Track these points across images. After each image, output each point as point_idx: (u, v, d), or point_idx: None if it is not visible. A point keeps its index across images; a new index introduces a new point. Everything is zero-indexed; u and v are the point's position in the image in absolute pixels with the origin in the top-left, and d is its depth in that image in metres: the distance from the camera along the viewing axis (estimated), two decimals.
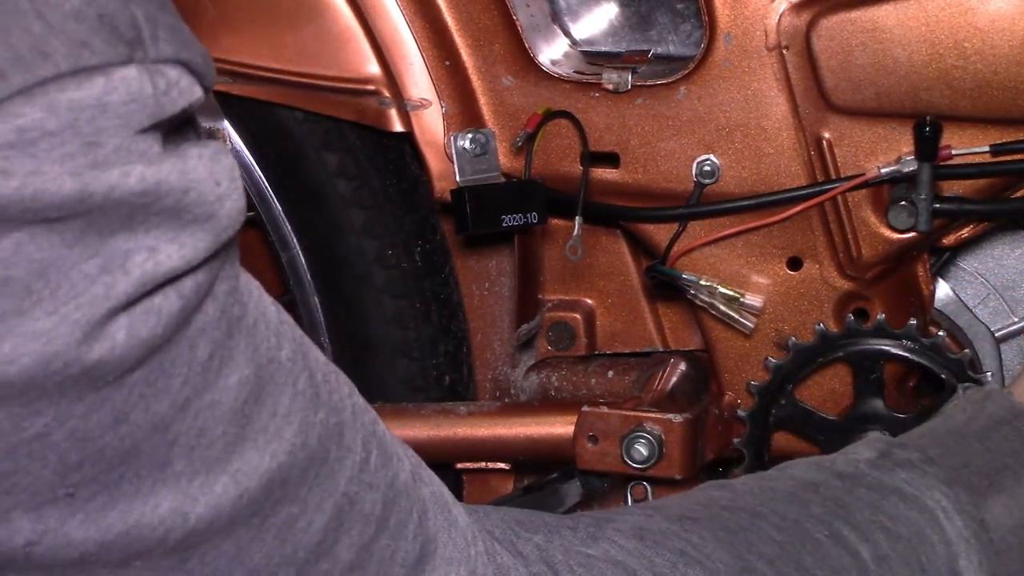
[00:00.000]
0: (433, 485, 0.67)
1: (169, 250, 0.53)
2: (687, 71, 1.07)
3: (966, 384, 0.85)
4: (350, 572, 0.61)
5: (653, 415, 1.08)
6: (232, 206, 0.55)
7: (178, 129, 0.54)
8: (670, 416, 1.08)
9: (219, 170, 0.55)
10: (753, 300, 1.10)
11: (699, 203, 1.09)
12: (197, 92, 0.55)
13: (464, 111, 1.13)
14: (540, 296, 1.18)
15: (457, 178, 1.11)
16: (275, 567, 0.58)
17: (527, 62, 1.11)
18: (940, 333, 1.06)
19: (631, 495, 1.11)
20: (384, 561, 0.62)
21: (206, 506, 0.56)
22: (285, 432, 0.58)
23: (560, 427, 1.10)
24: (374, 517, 0.62)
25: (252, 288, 0.59)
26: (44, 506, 0.53)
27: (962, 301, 1.12)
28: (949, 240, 1.08)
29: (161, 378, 0.54)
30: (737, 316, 1.10)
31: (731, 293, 1.10)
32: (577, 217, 1.11)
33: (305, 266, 1.18)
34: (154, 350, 0.53)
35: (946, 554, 0.76)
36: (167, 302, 0.53)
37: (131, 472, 0.54)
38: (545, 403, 1.17)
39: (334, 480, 0.61)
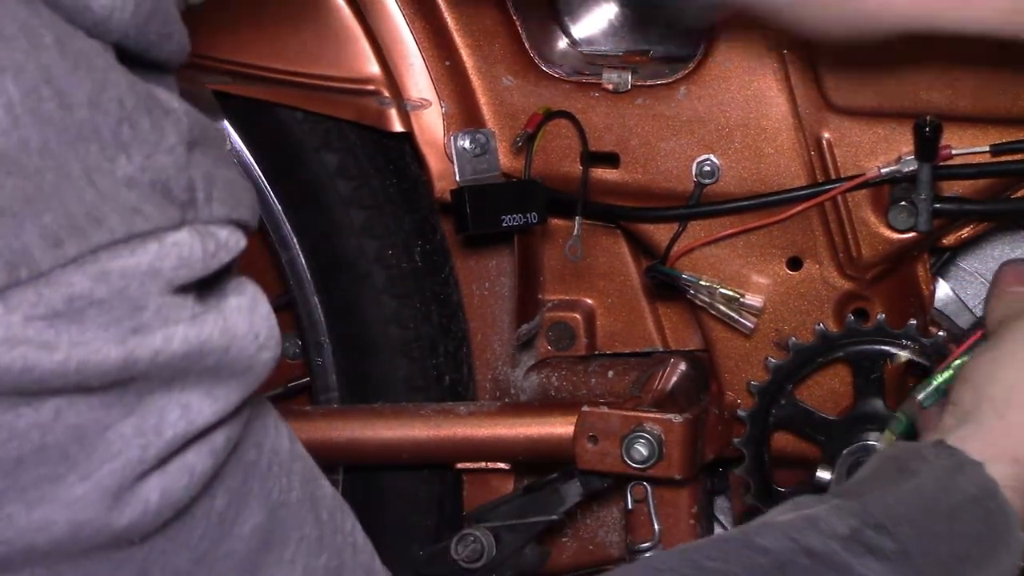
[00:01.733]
0: None
1: (202, 405, 0.52)
2: (687, 71, 1.07)
3: (937, 441, 0.83)
4: None
5: (653, 415, 1.08)
6: (269, 356, 0.54)
7: (217, 275, 0.54)
8: (670, 416, 1.08)
9: (258, 321, 0.54)
10: (753, 300, 1.10)
11: (699, 203, 1.09)
12: (243, 243, 0.55)
13: (464, 111, 1.13)
14: (540, 296, 1.18)
15: (457, 178, 1.11)
16: None
17: (527, 62, 1.11)
18: (940, 333, 1.06)
19: (631, 495, 1.11)
20: None
21: None
22: (296, 566, 0.58)
23: (560, 427, 1.10)
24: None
25: (268, 423, 0.59)
26: None
27: (962, 301, 1.12)
28: (949, 240, 1.08)
29: (183, 532, 0.53)
30: (737, 316, 1.10)
31: (731, 293, 1.10)
32: (577, 217, 1.11)
33: (305, 266, 1.18)
34: (183, 510, 0.53)
35: None
36: (200, 460, 0.53)
37: None
38: (545, 403, 1.17)
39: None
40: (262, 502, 0.57)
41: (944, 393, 0.92)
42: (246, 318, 0.53)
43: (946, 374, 0.92)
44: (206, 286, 0.53)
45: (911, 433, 1.00)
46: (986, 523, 0.79)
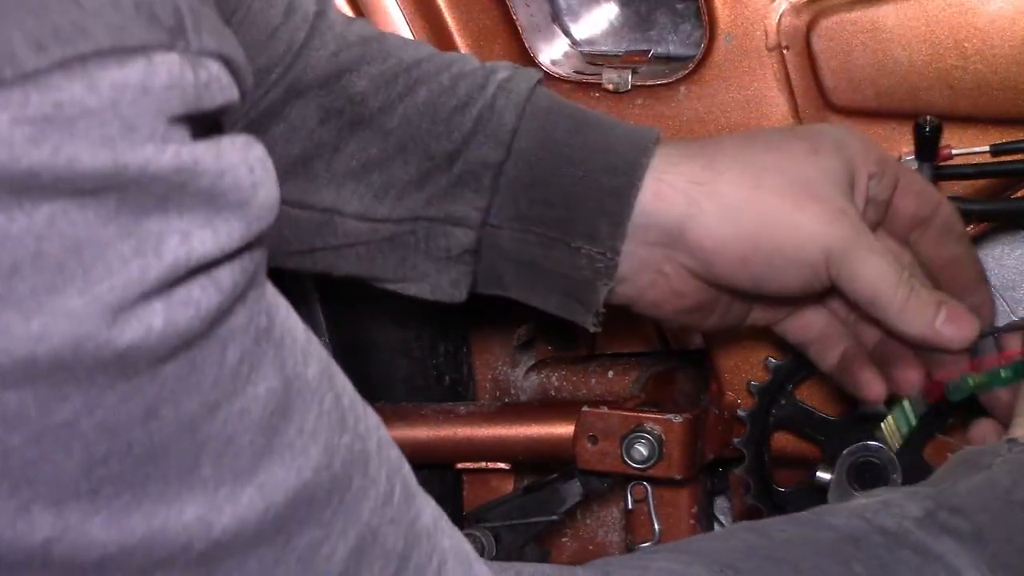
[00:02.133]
0: (455, 539, 0.65)
1: (203, 235, 0.52)
2: (687, 71, 1.07)
3: (1010, 439, 0.82)
4: None
5: (653, 415, 1.08)
6: (265, 195, 0.54)
7: (209, 131, 0.54)
8: (670, 416, 1.08)
9: (252, 157, 0.54)
10: None
11: None
12: (235, 93, 0.54)
13: None
14: None
15: None
16: None
17: (527, 62, 1.11)
18: None
19: (631, 495, 1.11)
20: None
21: (232, 517, 0.54)
22: (311, 450, 0.57)
23: (560, 427, 1.10)
24: (396, 555, 0.61)
25: (280, 304, 0.58)
26: (66, 501, 0.51)
27: None
28: None
29: (193, 374, 0.53)
30: None
31: None
32: None
33: None
34: (189, 343, 0.52)
35: None
36: (205, 296, 0.52)
37: (158, 473, 0.53)
38: (545, 403, 1.17)
39: (358, 508, 0.59)
40: (276, 368, 0.56)
41: (976, 390, 0.94)
42: (240, 152, 0.53)
43: (980, 378, 0.93)
44: (199, 128, 0.53)
45: (912, 425, 1.00)
46: None
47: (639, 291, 0.95)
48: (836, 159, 0.93)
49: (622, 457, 1.08)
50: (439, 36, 1.12)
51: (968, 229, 1.07)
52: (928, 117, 1.01)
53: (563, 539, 1.20)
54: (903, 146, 1.04)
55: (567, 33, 1.16)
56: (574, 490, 1.11)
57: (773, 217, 0.91)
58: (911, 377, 0.96)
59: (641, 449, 1.08)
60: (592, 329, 0.96)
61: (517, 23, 1.11)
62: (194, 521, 0.53)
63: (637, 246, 0.92)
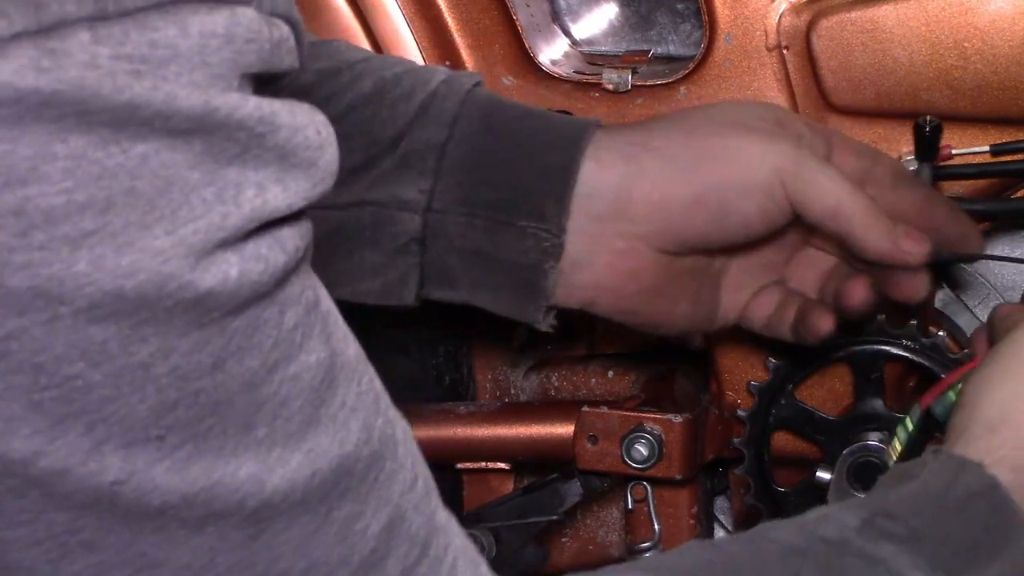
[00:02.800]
0: (464, 540, 0.66)
1: (275, 190, 0.53)
2: (687, 71, 1.07)
3: (935, 449, 0.83)
4: None
5: (653, 415, 1.08)
6: (329, 158, 0.56)
7: (277, 80, 0.56)
8: (670, 416, 1.08)
9: (319, 120, 0.56)
10: None
11: None
12: (296, 59, 0.56)
13: None
14: None
15: None
16: (333, 567, 0.58)
17: (527, 62, 1.11)
18: (940, 333, 1.06)
19: (631, 495, 1.11)
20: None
21: (281, 479, 0.56)
22: (352, 424, 0.58)
23: (560, 427, 1.10)
24: (419, 541, 0.62)
25: (319, 284, 0.60)
26: (135, 445, 0.52)
27: (962, 301, 1.12)
28: None
29: (256, 333, 0.54)
30: None
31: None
32: None
33: None
34: (255, 300, 0.54)
35: None
36: (272, 254, 0.54)
37: (219, 427, 0.54)
38: (545, 403, 1.17)
39: (390, 489, 0.60)
40: (323, 341, 0.58)
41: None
42: (308, 114, 0.55)
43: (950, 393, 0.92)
44: (268, 89, 0.54)
45: (915, 443, 0.99)
46: (993, 516, 0.79)
47: (596, 278, 0.94)
48: (764, 108, 0.97)
49: (622, 457, 1.08)
50: (439, 36, 1.12)
51: None
52: (928, 117, 1.01)
53: (563, 539, 1.20)
54: (903, 146, 1.04)
55: (567, 33, 1.16)
56: (574, 490, 1.11)
57: (715, 151, 0.92)
58: (860, 292, 0.96)
59: (641, 449, 1.08)
60: (544, 329, 0.95)
61: (517, 23, 1.11)
62: (248, 478, 0.55)
63: (586, 222, 0.92)
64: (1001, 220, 1.08)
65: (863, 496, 0.81)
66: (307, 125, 0.55)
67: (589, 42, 1.16)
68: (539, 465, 1.14)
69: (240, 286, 0.53)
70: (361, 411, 0.59)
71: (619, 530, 1.18)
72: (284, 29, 0.55)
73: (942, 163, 1.03)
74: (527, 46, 1.11)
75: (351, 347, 0.60)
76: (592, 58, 1.15)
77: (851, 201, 0.92)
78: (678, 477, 1.09)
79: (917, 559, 0.75)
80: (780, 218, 0.93)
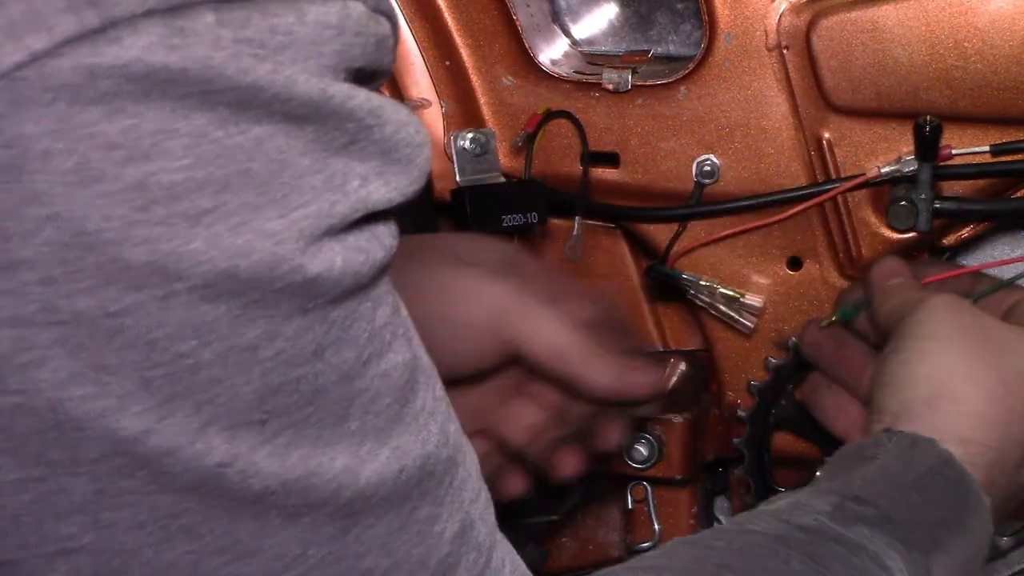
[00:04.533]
0: (516, 555, 0.66)
1: (377, 183, 0.54)
2: (687, 71, 1.07)
3: (886, 429, 0.84)
4: None
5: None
6: (425, 159, 0.57)
7: (376, 77, 0.57)
8: (670, 416, 1.08)
9: (417, 122, 0.57)
10: (753, 300, 1.10)
11: (699, 203, 1.09)
12: (392, 62, 0.57)
13: (464, 111, 1.13)
14: None
15: (457, 178, 1.11)
16: (412, 567, 0.58)
17: (527, 62, 1.11)
18: None
19: (631, 495, 1.11)
20: None
21: (372, 472, 0.56)
22: (431, 426, 0.59)
23: None
24: (484, 550, 0.62)
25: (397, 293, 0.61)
26: (239, 428, 0.53)
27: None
28: (949, 240, 1.08)
29: (353, 326, 0.55)
30: (737, 316, 1.10)
31: (731, 293, 1.10)
32: (576, 218, 1.11)
33: None
34: (354, 292, 0.54)
35: None
36: (371, 248, 0.55)
37: (316, 416, 0.54)
38: None
39: (462, 495, 0.61)
40: (407, 343, 0.59)
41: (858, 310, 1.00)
42: (407, 113, 0.56)
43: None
44: (367, 87, 0.55)
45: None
46: (951, 491, 0.81)
47: None
48: (497, 246, 0.98)
49: (622, 457, 1.08)
50: (439, 36, 1.12)
51: (968, 229, 1.07)
52: (928, 117, 1.01)
53: (563, 539, 1.20)
54: (903, 146, 1.04)
55: (567, 33, 1.16)
56: (574, 490, 1.10)
57: (436, 284, 0.92)
58: (572, 461, 0.96)
59: (641, 449, 1.08)
60: None
61: (517, 23, 1.11)
62: (342, 470, 0.55)
63: None
64: (1001, 220, 1.08)
65: (826, 479, 0.82)
66: (408, 123, 0.56)
67: (589, 42, 1.16)
68: None
69: (344, 275, 0.54)
70: (438, 416, 0.60)
71: (619, 530, 1.18)
72: (386, 26, 0.56)
73: (942, 163, 1.03)
74: (527, 46, 1.11)
75: (425, 355, 0.61)
76: (592, 58, 1.15)
77: (570, 342, 0.91)
78: (678, 477, 1.09)
79: (892, 540, 0.76)
80: (492, 359, 0.93)
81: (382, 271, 0.56)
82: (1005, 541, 1.08)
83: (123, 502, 0.52)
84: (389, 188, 0.55)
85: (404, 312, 0.60)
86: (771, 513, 0.79)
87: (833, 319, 1.03)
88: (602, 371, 0.92)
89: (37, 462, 0.51)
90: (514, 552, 0.66)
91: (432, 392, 0.60)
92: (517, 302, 0.92)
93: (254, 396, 0.53)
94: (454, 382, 0.90)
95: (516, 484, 0.97)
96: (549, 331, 0.91)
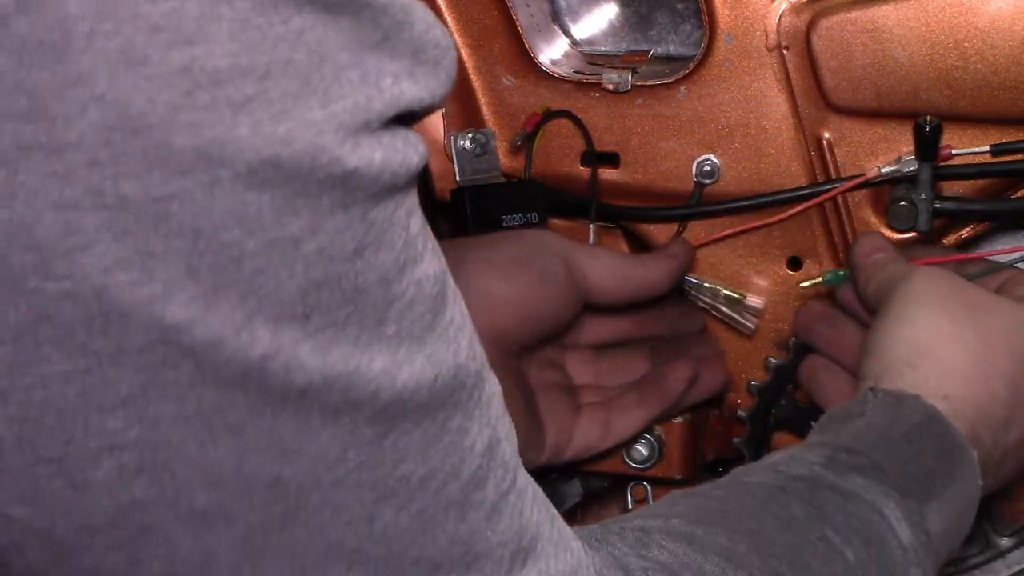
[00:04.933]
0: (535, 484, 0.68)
1: (408, 83, 0.55)
2: (687, 71, 1.07)
3: (871, 387, 0.85)
4: (488, 519, 0.60)
5: None
6: (450, 62, 0.57)
7: None
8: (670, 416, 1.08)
9: (443, 26, 0.57)
10: (754, 302, 1.10)
11: (699, 203, 1.09)
12: None
13: (464, 111, 1.13)
14: None
15: (457, 178, 1.11)
16: (445, 476, 0.58)
17: (527, 62, 1.11)
18: None
19: (631, 495, 1.11)
20: (514, 517, 0.62)
21: (408, 377, 0.56)
22: (460, 340, 0.59)
23: None
24: (510, 469, 0.62)
25: None
26: (283, 321, 0.53)
27: None
28: (949, 240, 1.08)
29: (390, 229, 0.55)
30: (739, 318, 1.10)
31: (734, 295, 1.10)
32: (591, 226, 1.11)
33: None
34: (393, 191, 0.55)
35: (903, 562, 0.77)
36: (406, 150, 0.55)
37: (356, 316, 0.55)
38: None
39: (489, 411, 0.61)
40: (437, 257, 0.59)
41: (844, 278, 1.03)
42: (432, 16, 0.57)
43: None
44: None
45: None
46: (939, 444, 0.83)
47: None
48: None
49: (622, 457, 1.08)
50: None
51: (968, 229, 1.07)
52: (928, 117, 1.01)
53: None
54: (903, 146, 1.04)
55: (567, 33, 1.16)
56: (574, 490, 1.10)
57: (509, 250, 1.02)
58: (683, 371, 1.05)
59: (641, 449, 1.08)
60: None
61: (517, 23, 1.11)
62: (381, 372, 0.55)
63: None
64: (1001, 220, 1.08)
65: (816, 435, 0.84)
66: (435, 25, 0.56)
67: (589, 42, 1.16)
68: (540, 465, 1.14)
69: (382, 172, 0.54)
70: (466, 331, 0.60)
71: None
72: None
73: (942, 163, 1.03)
74: (527, 46, 1.11)
75: (450, 276, 0.61)
76: (592, 58, 1.15)
77: (623, 259, 1.05)
78: (678, 477, 1.09)
79: (886, 488, 0.78)
80: (572, 306, 1.02)
81: (414, 178, 0.57)
82: (1005, 541, 1.08)
83: (168, 395, 0.52)
84: (419, 88, 0.55)
85: (428, 230, 0.60)
86: (766, 466, 0.80)
87: (818, 280, 1.04)
88: (657, 263, 1.05)
89: (83, 352, 0.51)
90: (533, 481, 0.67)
91: (459, 308, 0.60)
92: (570, 247, 1.02)
93: (297, 290, 0.53)
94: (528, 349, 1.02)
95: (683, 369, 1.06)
96: (605, 257, 1.03)
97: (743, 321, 1.10)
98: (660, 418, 1.06)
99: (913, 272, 0.93)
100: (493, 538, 0.60)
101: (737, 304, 1.10)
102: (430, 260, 0.58)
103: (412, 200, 0.57)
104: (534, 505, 0.63)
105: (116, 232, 0.50)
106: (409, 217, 0.57)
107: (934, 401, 0.84)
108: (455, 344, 0.59)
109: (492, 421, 0.61)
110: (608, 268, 1.03)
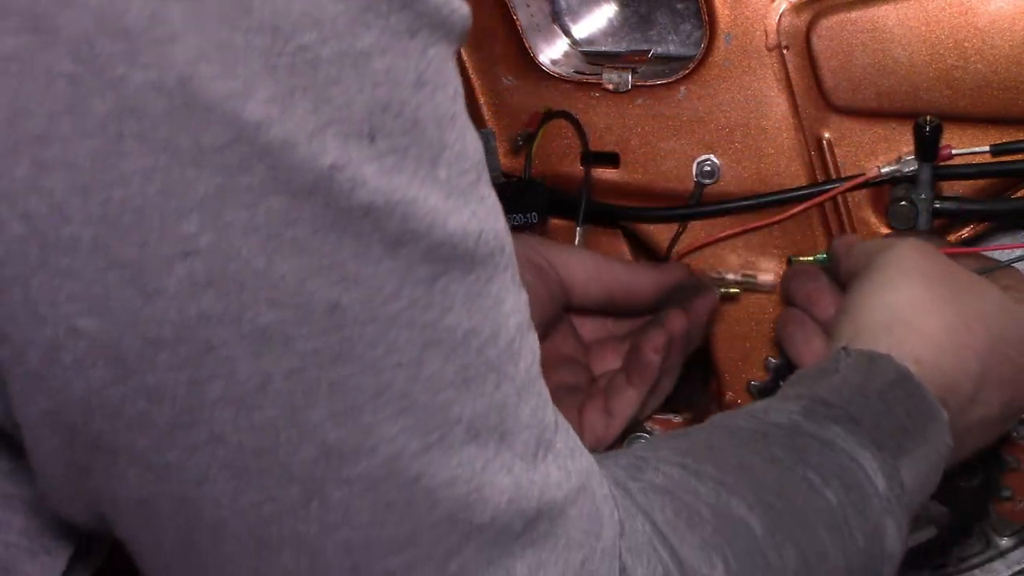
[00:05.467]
0: None
1: None
2: (687, 71, 1.07)
3: (843, 347, 0.86)
4: (519, 396, 0.61)
5: (653, 415, 1.08)
6: None
7: None
8: (670, 416, 1.08)
9: None
10: (765, 277, 1.10)
11: (699, 203, 1.09)
12: None
13: None
14: None
15: None
16: (486, 338, 0.59)
17: (527, 62, 1.11)
18: None
19: None
20: (539, 407, 0.62)
21: (457, 224, 0.57)
22: (496, 210, 0.60)
23: None
24: (535, 358, 0.63)
25: None
26: (351, 137, 0.54)
27: None
28: (949, 240, 1.08)
29: (444, 72, 0.57)
30: (753, 280, 1.09)
31: (743, 277, 1.09)
32: (578, 228, 1.11)
33: None
34: (449, 32, 0.57)
35: (880, 510, 0.78)
36: (458, 4, 0.57)
37: (415, 149, 0.56)
38: None
39: (519, 295, 0.62)
40: (471, 127, 0.60)
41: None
42: None
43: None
44: None
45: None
46: (912, 402, 0.84)
47: None
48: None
49: None
50: None
51: (968, 229, 1.07)
52: (928, 117, 1.01)
53: None
54: (903, 146, 1.04)
55: (567, 33, 1.16)
56: None
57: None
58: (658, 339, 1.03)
59: None
60: None
61: (517, 23, 1.11)
62: (432, 210, 0.56)
63: None
64: (1001, 220, 1.08)
65: (791, 388, 0.86)
66: None
67: (589, 42, 1.16)
68: None
69: (438, 9, 0.55)
70: (497, 206, 0.61)
71: None
72: None
73: (942, 163, 1.03)
74: (527, 46, 1.11)
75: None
76: (592, 58, 1.15)
77: (607, 262, 1.05)
78: None
79: (863, 439, 0.79)
80: (551, 309, 1.03)
81: (464, 32, 0.58)
82: (1005, 541, 1.08)
83: (241, 201, 0.53)
84: None
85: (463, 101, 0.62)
86: (745, 412, 0.81)
87: (810, 259, 1.06)
88: (644, 270, 1.05)
89: (165, 148, 0.51)
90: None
91: (489, 183, 0.61)
92: (547, 246, 1.02)
93: (365, 107, 0.54)
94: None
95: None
96: (582, 255, 1.03)
97: (757, 283, 1.09)
98: (673, 376, 1.07)
99: (897, 242, 0.94)
100: (522, 418, 0.61)
101: (748, 281, 1.10)
102: (470, 126, 0.59)
103: (454, 67, 0.58)
104: (552, 409, 0.64)
105: (200, 23, 0.51)
106: (455, 76, 0.58)
107: (907, 364, 0.85)
108: (494, 213, 0.60)
109: (521, 304, 0.62)
110: (584, 265, 1.03)
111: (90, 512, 0.60)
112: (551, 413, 0.64)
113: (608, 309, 1.06)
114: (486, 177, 0.60)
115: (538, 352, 0.64)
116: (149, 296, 0.52)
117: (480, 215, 0.59)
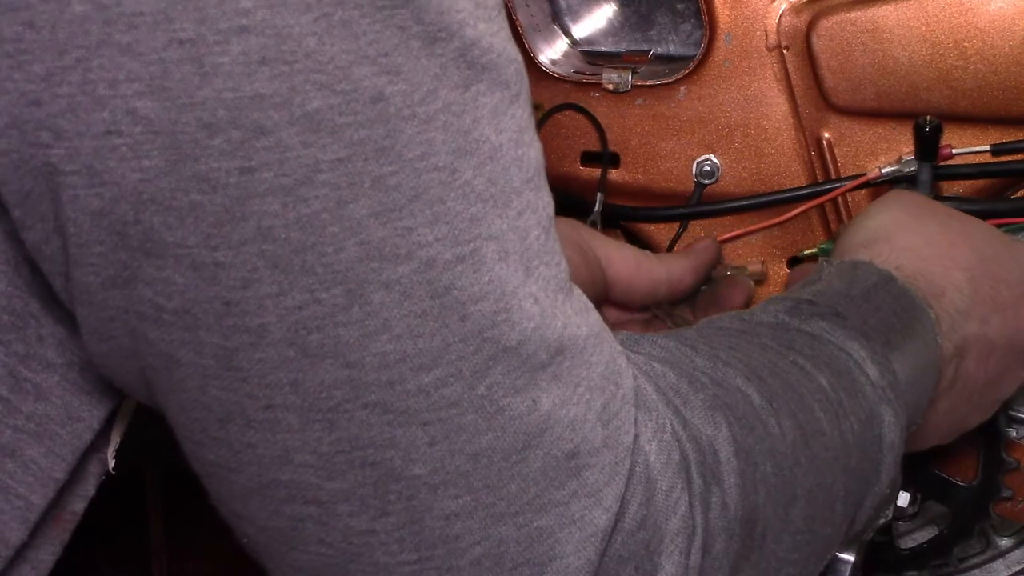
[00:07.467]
0: None
1: None
2: (687, 71, 1.08)
3: (825, 260, 0.87)
4: (542, 233, 0.63)
5: None
6: None
7: None
8: None
9: None
10: (756, 267, 1.10)
11: (699, 203, 1.09)
12: None
13: None
14: None
15: None
16: (509, 161, 0.61)
17: (527, 62, 1.11)
18: None
19: None
20: (557, 255, 0.64)
21: (484, 31, 0.59)
22: (513, 45, 0.62)
23: None
24: (551, 212, 0.65)
25: None
26: None
27: None
28: None
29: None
30: (747, 270, 1.09)
31: (735, 266, 1.10)
32: (597, 223, 1.11)
33: None
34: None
35: (873, 397, 0.78)
36: None
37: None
38: None
39: (537, 145, 0.64)
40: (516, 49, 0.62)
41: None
42: None
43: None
44: None
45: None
46: (897, 302, 0.84)
47: None
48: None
49: None
50: None
51: None
52: (928, 117, 1.01)
53: None
54: (903, 146, 1.04)
55: (567, 33, 1.16)
56: None
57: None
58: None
59: None
60: None
61: (517, 23, 1.11)
62: (462, 10, 0.58)
63: None
64: (1001, 220, 1.08)
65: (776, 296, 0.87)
66: None
67: (589, 42, 1.16)
68: None
69: None
70: (516, 47, 0.62)
71: None
72: None
73: (942, 163, 1.03)
74: (527, 46, 1.11)
75: None
76: (592, 58, 1.15)
77: (644, 254, 1.03)
78: None
79: (851, 332, 0.80)
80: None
81: None
82: (1005, 541, 1.08)
83: None
84: None
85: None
86: (734, 315, 0.82)
87: (813, 251, 1.06)
88: (678, 260, 1.04)
89: None
90: None
91: (507, 22, 0.63)
92: (597, 237, 1.02)
93: None
94: None
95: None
96: (626, 251, 1.02)
97: (748, 274, 1.09)
98: None
99: (885, 195, 0.95)
100: (544, 255, 0.63)
101: (740, 270, 1.10)
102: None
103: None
104: (566, 266, 0.66)
105: None
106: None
107: (888, 269, 0.86)
108: (513, 46, 0.61)
109: (539, 156, 0.64)
110: (627, 262, 1.02)
111: (129, 354, 0.59)
112: (565, 267, 0.65)
113: (648, 304, 1.07)
114: (504, 12, 0.62)
115: (553, 212, 0.66)
116: (206, 74, 0.53)
117: (502, 37, 0.60)
